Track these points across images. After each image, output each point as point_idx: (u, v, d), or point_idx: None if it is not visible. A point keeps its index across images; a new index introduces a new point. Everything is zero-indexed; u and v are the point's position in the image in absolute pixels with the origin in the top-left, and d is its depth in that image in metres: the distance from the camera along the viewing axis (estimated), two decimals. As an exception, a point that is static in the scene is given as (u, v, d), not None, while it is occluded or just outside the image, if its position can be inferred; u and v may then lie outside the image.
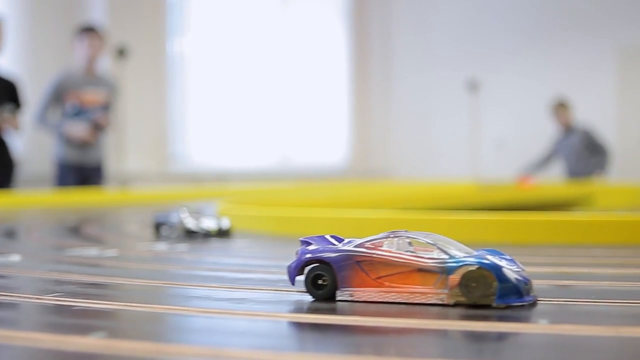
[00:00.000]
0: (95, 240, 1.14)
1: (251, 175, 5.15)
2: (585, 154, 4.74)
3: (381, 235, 0.55)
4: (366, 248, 0.54)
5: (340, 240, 0.57)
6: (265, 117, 6.03)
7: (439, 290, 0.51)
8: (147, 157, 4.81)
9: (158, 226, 1.14)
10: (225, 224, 1.10)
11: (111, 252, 0.94)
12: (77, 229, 1.35)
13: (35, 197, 2.39)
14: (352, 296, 0.53)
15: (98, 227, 1.47)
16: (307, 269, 0.55)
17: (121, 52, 3.92)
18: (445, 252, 0.52)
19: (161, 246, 1.00)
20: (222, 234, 1.09)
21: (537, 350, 0.41)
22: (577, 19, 5.91)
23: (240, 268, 0.79)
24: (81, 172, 3.31)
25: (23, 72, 3.94)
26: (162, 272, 0.76)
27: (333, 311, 0.52)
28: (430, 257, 0.52)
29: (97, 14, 4.61)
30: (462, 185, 3.20)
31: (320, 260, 0.54)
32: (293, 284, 0.56)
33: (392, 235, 0.55)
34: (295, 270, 0.56)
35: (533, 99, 5.99)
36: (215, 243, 1.04)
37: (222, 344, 0.41)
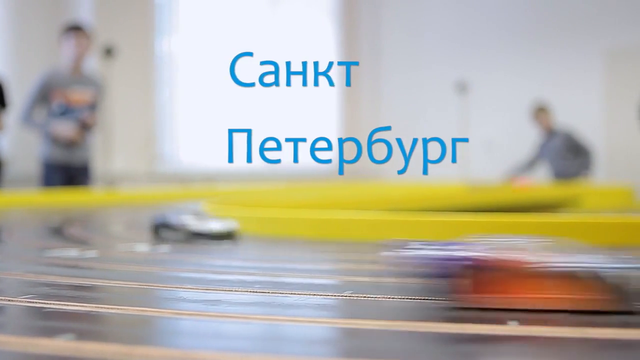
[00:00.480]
0: (78, 241, 1.13)
1: (239, 176, 5.14)
2: (569, 155, 4.77)
3: (507, 238, 0.53)
4: (510, 252, 0.51)
5: (451, 244, 0.53)
6: (254, 117, 6.02)
7: (594, 297, 0.49)
8: (135, 157, 4.80)
9: (157, 228, 1.12)
10: (231, 226, 1.08)
11: (91, 254, 0.93)
12: (60, 230, 1.34)
13: (20, 197, 2.38)
14: (493, 302, 0.50)
15: (82, 227, 1.46)
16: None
17: (108, 51, 3.91)
18: (593, 257, 0.50)
19: (142, 247, 0.99)
20: (227, 236, 1.06)
21: (506, 351, 0.41)
22: (565, 22, 5.94)
23: (219, 270, 0.79)
24: (67, 172, 3.29)
25: (8, 72, 3.91)
26: (140, 274, 0.75)
27: (306, 311, 0.51)
28: (577, 263, 0.50)
29: (83, 13, 4.59)
30: (451, 187, 3.20)
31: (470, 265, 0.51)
32: (438, 286, 0.52)
33: (526, 241, 0.53)
34: (442, 273, 0.51)
35: (522, 101, 6.01)
36: (197, 245, 1.03)
37: (191, 346, 0.41)
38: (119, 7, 4.89)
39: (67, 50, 3.32)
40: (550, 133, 4.85)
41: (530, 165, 4.95)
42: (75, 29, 3.36)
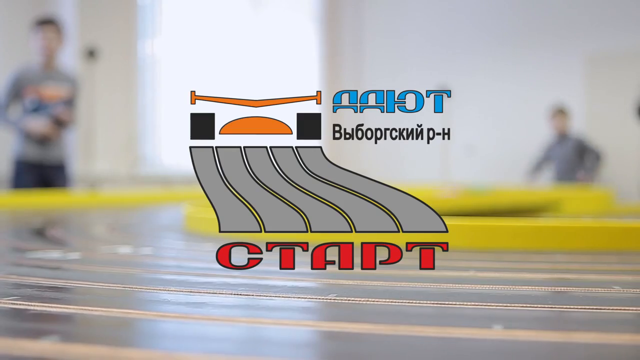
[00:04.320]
0: (60, 243, 1.13)
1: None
2: (576, 160, 4.82)
3: None
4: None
5: None
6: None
7: None
8: (117, 159, 4.78)
9: None
10: None
11: (74, 256, 0.93)
12: (42, 232, 1.33)
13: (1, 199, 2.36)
14: None
15: (64, 229, 1.45)
16: None
17: (91, 53, 3.89)
18: None
19: (125, 249, 0.99)
20: None
21: (488, 356, 0.41)
22: (547, 27, 5.98)
23: (203, 272, 0.79)
24: (41, 171, 3.20)
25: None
26: (124, 276, 0.75)
27: (290, 314, 0.52)
28: None
29: (66, 14, 4.57)
30: (433, 191, 3.22)
31: None
32: None
33: None
34: None
35: (504, 105, 6.05)
36: (180, 246, 1.03)
37: (174, 349, 0.41)
38: (102, 9, 4.86)
39: (35, 45, 3.24)
40: (563, 137, 4.90)
41: (538, 167, 4.99)
42: (42, 23, 3.27)
